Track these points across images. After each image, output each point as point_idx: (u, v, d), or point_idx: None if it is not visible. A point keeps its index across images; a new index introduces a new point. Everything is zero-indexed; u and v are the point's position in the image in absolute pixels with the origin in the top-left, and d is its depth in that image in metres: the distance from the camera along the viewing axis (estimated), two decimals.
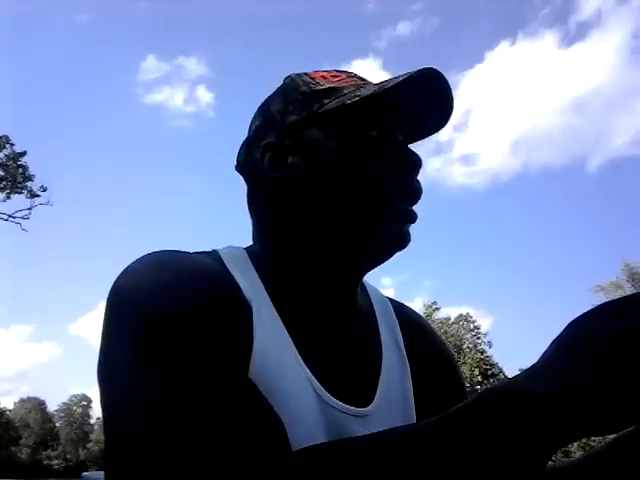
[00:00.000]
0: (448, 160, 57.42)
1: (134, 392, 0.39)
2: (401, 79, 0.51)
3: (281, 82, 0.62)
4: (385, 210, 0.53)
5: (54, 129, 76.96)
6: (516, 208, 60.09)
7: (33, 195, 18.01)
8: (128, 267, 0.47)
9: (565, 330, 0.34)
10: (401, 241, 0.55)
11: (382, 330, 0.62)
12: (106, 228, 77.33)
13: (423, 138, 0.61)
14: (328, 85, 0.56)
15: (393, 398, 0.58)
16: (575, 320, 0.34)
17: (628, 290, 24.91)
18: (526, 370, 0.34)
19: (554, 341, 0.34)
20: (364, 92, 0.52)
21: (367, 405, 0.54)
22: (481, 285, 57.88)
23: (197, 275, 0.48)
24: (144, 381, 0.39)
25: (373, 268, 0.59)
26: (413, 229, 0.56)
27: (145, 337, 0.41)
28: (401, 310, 0.68)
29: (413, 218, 0.55)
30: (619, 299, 0.33)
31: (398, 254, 0.57)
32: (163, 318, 0.42)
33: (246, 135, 0.62)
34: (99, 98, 77.14)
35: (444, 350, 0.68)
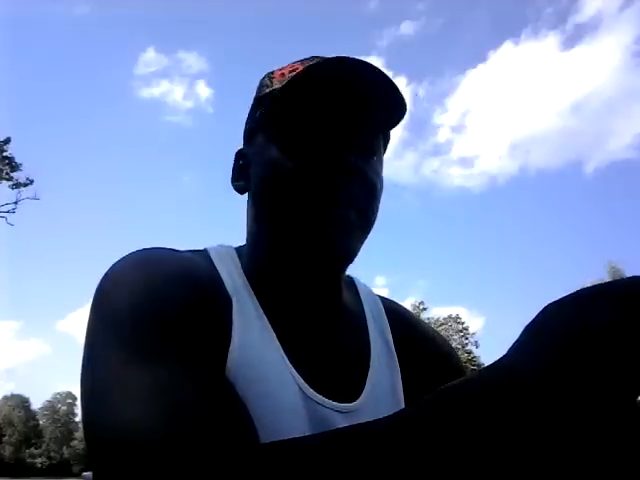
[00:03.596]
0: (446, 161, 57.73)
1: (113, 391, 0.39)
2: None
3: None
4: (317, 217, 0.51)
5: (48, 123, 76.20)
6: (511, 211, 60.65)
7: (19, 185, 17.75)
8: (111, 267, 0.48)
9: (539, 318, 0.31)
10: (332, 250, 0.51)
11: (370, 327, 0.62)
12: (97, 222, 76.74)
13: (376, 134, 0.55)
14: (273, 87, 0.54)
15: (381, 394, 0.57)
16: (550, 307, 0.31)
17: None
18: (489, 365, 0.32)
19: (526, 329, 0.32)
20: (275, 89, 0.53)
21: (353, 401, 0.54)
22: (474, 286, 58.43)
23: (179, 272, 0.48)
24: (124, 380, 0.39)
25: (321, 275, 0.55)
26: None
27: (124, 337, 0.41)
28: (392, 308, 0.67)
29: (348, 223, 0.51)
30: (599, 287, 0.30)
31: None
32: (142, 317, 0.42)
33: None
34: (97, 91, 76.71)
35: (439, 344, 0.67)
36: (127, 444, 0.36)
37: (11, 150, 17.81)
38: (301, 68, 0.53)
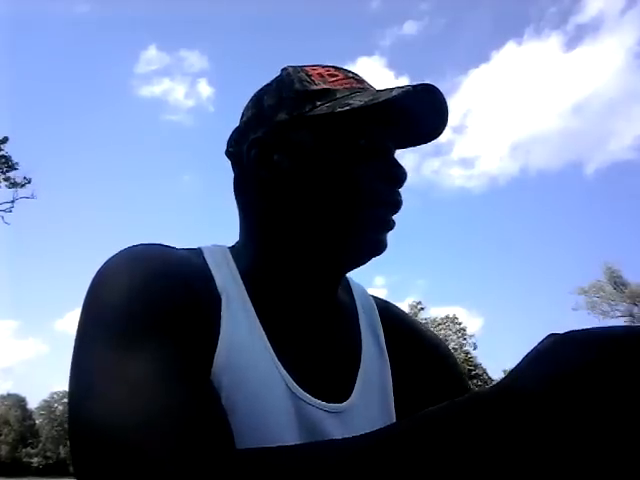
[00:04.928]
0: (447, 162, 57.65)
1: (97, 387, 0.39)
2: (395, 94, 0.50)
3: (278, 72, 0.60)
4: (364, 220, 0.53)
5: (47, 122, 76.03)
6: (512, 212, 60.68)
7: (15, 185, 17.68)
8: (104, 263, 0.48)
9: (540, 347, 0.31)
10: (377, 249, 0.55)
11: (363, 327, 0.62)
12: (96, 222, 76.56)
13: (414, 146, 0.61)
14: (323, 86, 0.55)
15: (371, 393, 0.57)
16: (554, 339, 0.31)
17: (609, 292, 25.29)
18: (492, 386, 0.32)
19: (526, 357, 0.31)
20: (356, 101, 0.52)
21: (344, 401, 0.54)
22: (473, 286, 58.43)
23: (169, 269, 0.48)
24: (108, 377, 0.39)
25: (350, 270, 0.59)
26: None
27: (111, 334, 0.41)
28: (386, 308, 0.67)
29: (390, 227, 0.56)
30: (605, 332, 0.30)
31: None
32: (129, 314, 0.42)
33: (238, 121, 0.62)
34: (98, 90, 76.47)
35: (435, 343, 0.67)
36: (105, 441, 0.36)
37: (9, 148, 17.71)
38: (342, 77, 0.57)
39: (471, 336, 34.59)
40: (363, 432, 0.33)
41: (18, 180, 17.69)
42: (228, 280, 0.54)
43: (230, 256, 0.57)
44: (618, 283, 25.43)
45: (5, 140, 17.39)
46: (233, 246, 0.60)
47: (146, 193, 79.97)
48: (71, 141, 77.78)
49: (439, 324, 34.28)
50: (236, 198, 0.61)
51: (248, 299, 0.53)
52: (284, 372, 0.51)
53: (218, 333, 0.48)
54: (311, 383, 0.52)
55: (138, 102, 73.74)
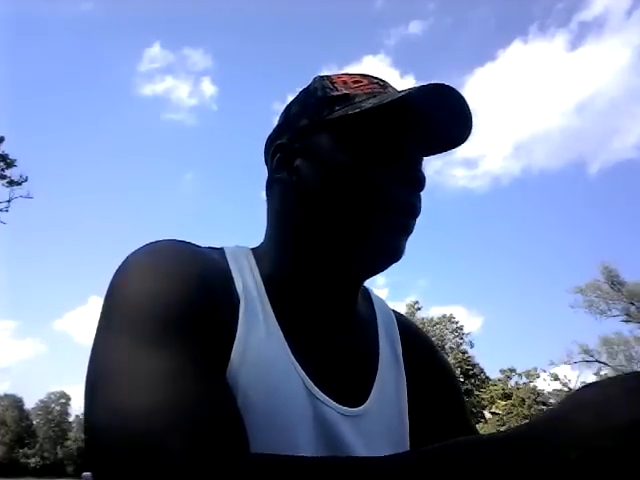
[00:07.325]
0: (450, 162, 57.45)
1: (114, 380, 0.39)
2: (401, 94, 0.50)
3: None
4: (379, 225, 0.53)
5: (46, 120, 75.84)
6: (514, 212, 60.62)
7: (13, 183, 17.60)
8: (128, 256, 0.49)
9: (580, 394, 0.31)
10: (395, 254, 0.55)
11: (381, 337, 0.63)
12: (95, 220, 76.42)
13: (440, 152, 0.60)
14: (343, 92, 0.56)
15: (386, 401, 0.58)
16: (595, 388, 0.31)
17: (606, 291, 25.36)
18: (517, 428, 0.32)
19: (563, 401, 0.31)
20: (367, 104, 0.52)
21: (359, 406, 0.55)
22: (473, 285, 58.47)
23: (191, 267, 0.48)
24: (126, 369, 0.39)
25: (369, 277, 0.59)
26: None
27: (129, 328, 0.42)
28: (404, 322, 0.69)
29: (408, 232, 0.55)
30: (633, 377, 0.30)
31: None
32: (150, 310, 0.43)
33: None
34: (99, 88, 76.26)
35: (441, 361, 0.69)
36: (116, 434, 0.36)
37: (7, 147, 17.61)
38: (367, 83, 0.57)
39: (467, 334, 34.64)
40: (377, 438, 0.33)
41: (15, 178, 17.60)
42: (249, 282, 0.54)
43: (252, 257, 0.58)
44: (615, 282, 25.48)
45: (1, 140, 17.29)
46: (257, 247, 0.61)
47: (147, 192, 79.89)
48: (71, 139, 77.69)
49: (436, 323, 34.30)
50: (266, 202, 0.62)
51: (268, 301, 0.54)
52: (302, 372, 0.51)
53: (235, 333, 0.49)
54: (328, 386, 0.53)
55: (140, 100, 73.65)
